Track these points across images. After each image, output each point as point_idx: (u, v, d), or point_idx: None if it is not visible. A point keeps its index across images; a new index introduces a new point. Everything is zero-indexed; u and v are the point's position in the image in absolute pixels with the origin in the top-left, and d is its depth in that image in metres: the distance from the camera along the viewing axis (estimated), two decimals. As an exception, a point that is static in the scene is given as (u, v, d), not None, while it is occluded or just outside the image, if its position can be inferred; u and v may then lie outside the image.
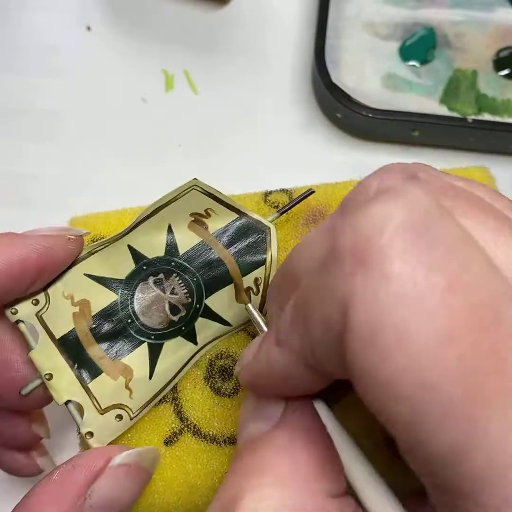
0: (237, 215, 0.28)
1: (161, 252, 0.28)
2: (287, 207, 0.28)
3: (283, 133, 0.41)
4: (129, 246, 0.27)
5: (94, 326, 0.27)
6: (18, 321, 0.26)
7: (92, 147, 0.40)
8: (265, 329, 0.24)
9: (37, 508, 0.22)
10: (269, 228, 0.28)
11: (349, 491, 0.18)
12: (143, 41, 0.43)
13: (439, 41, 0.40)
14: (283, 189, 0.30)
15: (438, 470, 0.15)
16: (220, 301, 0.27)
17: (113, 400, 0.26)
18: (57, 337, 0.26)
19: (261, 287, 0.27)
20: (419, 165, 0.20)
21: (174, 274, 0.27)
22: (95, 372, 0.26)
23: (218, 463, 0.27)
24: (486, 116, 0.38)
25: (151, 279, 0.27)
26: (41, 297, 0.27)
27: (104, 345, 0.27)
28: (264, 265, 0.27)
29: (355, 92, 0.39)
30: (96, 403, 0.26)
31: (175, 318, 0.27)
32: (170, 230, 0.28)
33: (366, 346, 0.15)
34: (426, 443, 0.15)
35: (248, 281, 0.27)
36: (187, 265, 0.27)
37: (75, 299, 0.27)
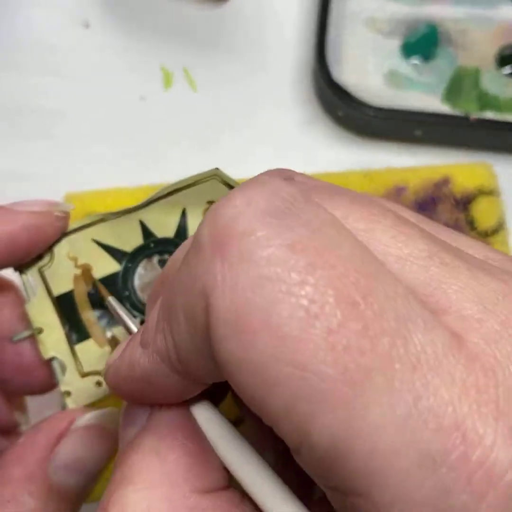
0: None
1: (171, 234, 0.27)
2: None
3: (283, 131, 0.40)
4: (140, 221, 0.27)
5: (92, 291, 0.27)
6: (21, 272, 0.27)
7: (90, 145, 0.40)
8: (134, 329, 0.23)
9: (3, 470, 0.23)
10: None
11: (234, 484, 0.17)
12: (142, 39, 0.43)
13: (442, 38, 0.40)
14: None
15: (327, 469, 0.13)
16: None
17: (95, 367, 0.27)
18: (55, 295, 0.27)
19: None
20: (297, 172, 0.19)
21: None
22: (83, 336, 0.27)
23: None
24: (489, 114, 0.38)
25: (156, 258, 0.27)
26: (45, 252, 0.27)
27: (98, 312, 0.27)
28: None
29: (356, 89, 0.38)
30: (79, 365, 0.26)
31: None
32: (183, 214, 0.27)
33: (232, 332, 0.14)
34: (306, 436, 0.13)
35: None
36: None
37: (79, 261, 0.27)
